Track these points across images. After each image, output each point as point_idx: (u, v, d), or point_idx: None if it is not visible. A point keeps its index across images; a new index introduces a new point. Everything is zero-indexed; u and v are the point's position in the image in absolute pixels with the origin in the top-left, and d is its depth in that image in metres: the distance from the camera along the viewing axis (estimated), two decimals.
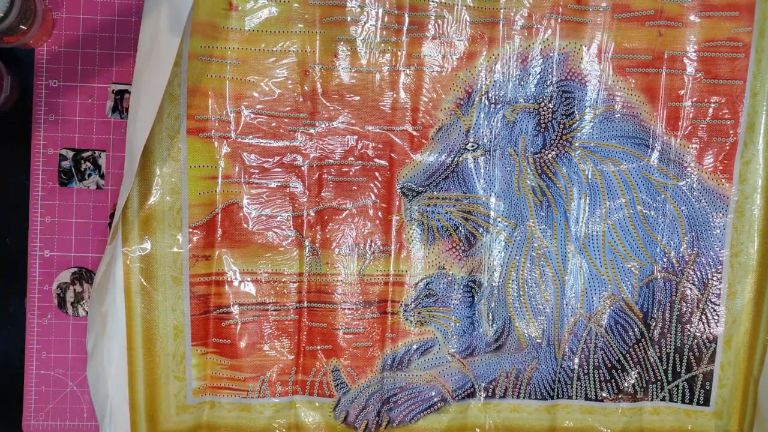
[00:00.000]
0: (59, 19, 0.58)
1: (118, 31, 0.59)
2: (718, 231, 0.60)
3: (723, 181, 0.59)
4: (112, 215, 0.59)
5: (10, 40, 0.54)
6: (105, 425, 0.55)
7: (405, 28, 0.58)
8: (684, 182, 0.60)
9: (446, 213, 0.59)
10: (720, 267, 0.60)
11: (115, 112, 0.59)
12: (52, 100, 0.59)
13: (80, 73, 0.59)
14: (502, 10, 0.58)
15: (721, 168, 0.59)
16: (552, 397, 0.60)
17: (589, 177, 0.59)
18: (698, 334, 0.60)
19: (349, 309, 0.59)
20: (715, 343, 0.60)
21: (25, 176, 0.59)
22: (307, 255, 0.59)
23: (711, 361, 0.60)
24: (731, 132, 0.59)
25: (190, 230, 0.57)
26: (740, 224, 0.59)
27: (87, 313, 0.59)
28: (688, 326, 0.60)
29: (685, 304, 0.60)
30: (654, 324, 0.60)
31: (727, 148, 0.59)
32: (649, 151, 0.59)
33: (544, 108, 0.59)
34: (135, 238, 0.56)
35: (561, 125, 0.59)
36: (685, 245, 0.60)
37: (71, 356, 0.59)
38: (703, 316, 0.60)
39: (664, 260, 0.60)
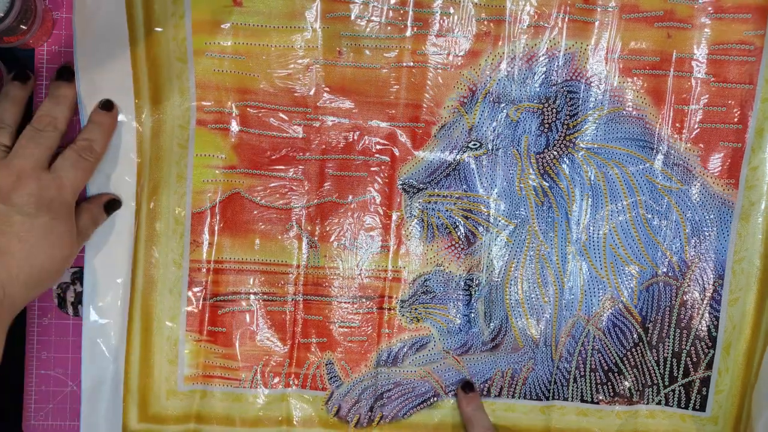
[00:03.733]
0: (59, 19, 0.58)
1: None
2: (722, 237, 0.59)
3: (729, 186, 0.59)
4: None
5: (10, 40, 0.54)
6: (96, 396, 0.57)
7: (409, 25, 0.57)
8: (688, 187, 0.59)
9: (446, 211, 0.59)
10: (722, 273, 0.59)
11: None
12: None
13: None
14: (508, 8, 0.57)
15: (727, 173, 0.58)
16: (547, 398, 0.60)
17: (592, 179, 0.59)
18: (697, 340, 0.60)
19: (345, 303, 0.60)
20: (714, 349, 0.60)
21: None
22: (306, 247, 0.59)
23: (709, 366, 0.60)
24: (739, 137, 0.58)
25: (193, 215, 0.58)
26: (745, 231, 0.59)
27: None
28: (686, 331, 0.60)
29: (684, 309, 0.60)
30: (652, 328, 0.60)
31: (734, 153, 0.58)
32: (654, 154, 0.59)
33: (548, 108, 0.58)
34: (143, 218, 0.57)
35: (565, 126, 0.58)
36: (687, 250, 0.59)
37: (71, 356, 0.60)
38: (702, 322, 0.60)
39: (666, 264, 0.60)
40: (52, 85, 0.55)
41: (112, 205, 0.56)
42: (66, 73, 0.55)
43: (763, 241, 0.58)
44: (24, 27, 0.54)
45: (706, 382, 0.60)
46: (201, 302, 0.59)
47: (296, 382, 0.60)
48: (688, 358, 0.60)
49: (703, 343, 0.60)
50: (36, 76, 0.58)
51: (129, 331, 0.58)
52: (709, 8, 0.57)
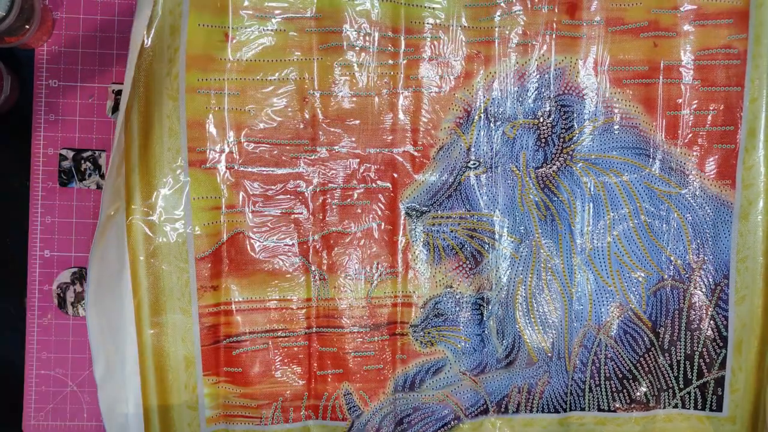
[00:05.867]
0: (59, 19, 0.58)
1: (118, 31, 0.60)
2: (724, 237, 0.60)
3: (726, 187, 0.59)
4: None
5: (12, 40, 0.54)
6: None
7: (401, 51, 0.58)
8: (687, 190, 0.60)
9: (451, 232, 0.60)
10: (727, 273, 0.60)
11: (115, 112, 0.60)
12: (52, 100, 0.59)
13: (80, 73, 0.60)
14: (496, 29, 0.58)
15: (723, 174, 0.60)
16: (565, 410, 0.61)
17: (592, 189, 0.60)
18: (708, 341, 0.60)
19: (358, 332, 0.60)
20: (725, 349, 0.60)
21: (25, 176, 0.60)
22: (315, 280, 0.59)
23: (722, 366, 0.60)
24: (731, 138, 0.59)
25: (197, 261, 0.57)
26: (745, 230, 0.60)
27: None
28: (697, 333, 0.60)
29: (693, 311, 0.60)
30: (663, 332, 0.60)
31: (728, 154, 0.59)
32: (651, 160, 0.60)
33: (544, 123, 0.59)
34: (142, 272, 0.56)
35: (561, 139, 0.59)
36: (691, 253, 0.60)
37: (71, 356, 0.59)
38: (712, 322, 0.60)
39: (671, 268, 0.60)
40: None
41: None
42: None
43: (764, 239, 0.59)
44: (27, 27, 0.53)
45: (720, 382, 0.60)
46: (215, 345, 0.58)
47: (316, 415, 0.59)
48: (701, 360, 0.60)
49: (714, 344, 0.60)
50: (36, 76, 0.57)
51: (143, 385, 0.56)
52: (692, 16, 0.58)
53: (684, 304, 0.60)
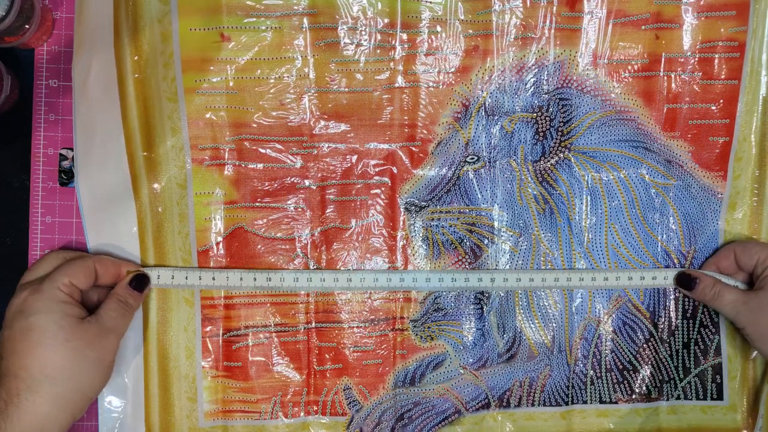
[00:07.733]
0: (59, 19, 0.58)
1: None
2: (714, 227, 0.60)
3: (718, 179, 0.60)
4: None
5: (11, 39, 0.54)
6: None
7: (398, 46, 0.58)
8: (681, 182, 0.60)
9: (450, 226, 0.60)
10: None
11: None
12: (52, 100, 0.59)
13: None
14: (494, 22, 0.58)
15: (716, 166, 0.60)
16: (566, 403, 0.61)
17: (589, 182, 0.60)
18: (702, 327, 0.61)
19: (357, 327, 0.60)
20: (718, 335, 0.61)
21: (25, 176, 0.60)
22: None
23: (717, 353, 0.61)
24: (727, 131, 0.59)
25: (198, 255, 0.58)
26: (732, 219, 0.60)
27: None
28: (692, 321, 0.61)
29: (687, 300, 0.61)
30: (661, 322, 0.61)
31: (723, 147, 0.60)
32: (647, 153, 0.60)
33: (542, 116, 0.59)
34: (150, 260, 0.57)
35: (559, 132, 0.59)
36: (683, 243, 0.60)
37: None
38: (705, 310, 0.61)
39: (666, 259, 0.61)
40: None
41: (140, 282, 0.56)
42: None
43: (748, 229, 0.60)
44: (27, 26, 0.54)
45: (718, 368, 0.61)
46: (215, 338, 0.59)
47: (316, 410, 0.59)
48: (696, 347, 0.61)
49: (707, 330, 0.61)
50: (36, 76, 0.58)
51: (146, 370, 0.57)
52: (695, 7, 0.58)
53: (679, 293, 0.61)
